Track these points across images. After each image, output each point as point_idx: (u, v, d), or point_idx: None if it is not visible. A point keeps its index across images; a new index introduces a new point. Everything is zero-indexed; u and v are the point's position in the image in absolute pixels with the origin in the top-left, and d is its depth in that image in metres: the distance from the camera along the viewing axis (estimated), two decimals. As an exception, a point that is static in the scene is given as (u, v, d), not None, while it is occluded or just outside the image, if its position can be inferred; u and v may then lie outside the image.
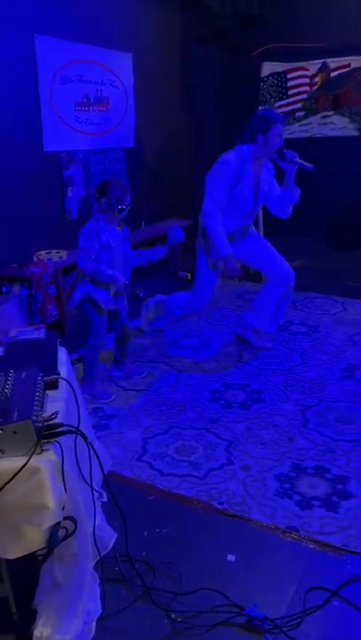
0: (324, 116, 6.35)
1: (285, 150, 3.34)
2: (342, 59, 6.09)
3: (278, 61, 6.38)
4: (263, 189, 3.54)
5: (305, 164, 3.49)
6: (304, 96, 6.41)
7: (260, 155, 3.39)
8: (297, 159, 3.35)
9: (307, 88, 6.38)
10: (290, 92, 6.47)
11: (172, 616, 1.75)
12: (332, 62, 6.15)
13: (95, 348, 3.21)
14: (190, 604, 1.79)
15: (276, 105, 6.52)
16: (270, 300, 3.71)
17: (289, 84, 6.44)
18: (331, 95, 6.28)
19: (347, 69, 6.12)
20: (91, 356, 3.22)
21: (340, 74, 6.17)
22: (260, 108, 6.61)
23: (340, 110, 6.26)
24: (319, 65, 6.23)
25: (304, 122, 6.46)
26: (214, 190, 3.36)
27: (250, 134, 3.35)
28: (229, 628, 1.73)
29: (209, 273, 3.67)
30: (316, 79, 6.29)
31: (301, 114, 6.45)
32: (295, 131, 6.45)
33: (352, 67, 6.10)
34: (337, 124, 6.31)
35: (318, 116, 6.38)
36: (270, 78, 6.50)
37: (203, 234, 3.54)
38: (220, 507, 2.25)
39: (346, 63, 6.11)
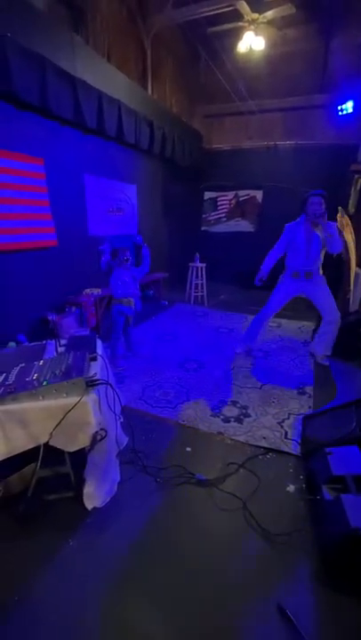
0: (237, 221, 6.53)
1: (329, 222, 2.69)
2: (246, 191, 6.28)
3: (212, 191, 6.56)
4: (317, 243, 2.77)
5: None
6: (226, 209, 6.59)
7: (309, 220, 2.72)
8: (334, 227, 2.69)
9: (227, 206, 6.57)
10: (218, 208, 6.63)
11: (158, 480, 1.76)
12: (241, 192, 6.33)
13: (115, 339, 3.10)
14: (167, 473, 1.80)
15: (212, 214, 6.68)
16: (326, 333, 3.00)
17: (218, 203, 6.61)
18: (239, 210, 6.46)
19: (248, 197, 6.32)
20: (113, 343, 3.11)
21: (244, 199, 6.36)
22: (203, 216, 6.75)
23: (244, 217, 6.43)
24: (234, 194, 6.42)
25: (226, 223, 6.60)
26: (277, 242, 2.92)
27: (304, 208, 2.76)
28: (188, 484, 1.75)
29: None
30: (232, 201, 6.47)
31: (225, 219, 6.62)
32: (223, 228, 6.58)
33: (250, 195, 6.31)
34: (243, 225, 6.48)
35: (233, 220, 6.56)
36: (208, 200, 6.67)
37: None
38: (182, 422, 2.26)
39: (247, 193, 6.31)
